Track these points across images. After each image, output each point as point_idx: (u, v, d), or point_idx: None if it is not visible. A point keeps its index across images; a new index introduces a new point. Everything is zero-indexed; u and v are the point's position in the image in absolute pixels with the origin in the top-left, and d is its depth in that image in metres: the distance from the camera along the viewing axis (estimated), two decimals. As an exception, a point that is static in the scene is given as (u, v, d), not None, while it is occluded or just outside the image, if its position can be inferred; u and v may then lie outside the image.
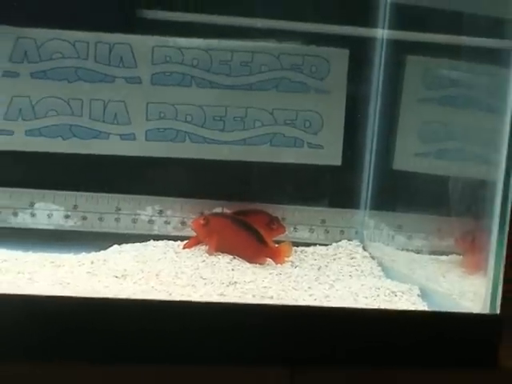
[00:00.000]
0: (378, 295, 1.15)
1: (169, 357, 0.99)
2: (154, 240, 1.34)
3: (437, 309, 1.12)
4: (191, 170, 1.37)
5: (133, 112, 1.34)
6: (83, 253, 1.25)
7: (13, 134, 1.32)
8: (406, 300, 1.15)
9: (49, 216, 1.34)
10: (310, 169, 1.40)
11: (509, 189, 1.02)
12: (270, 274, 1.22)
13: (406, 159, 1.35)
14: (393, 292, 1.16)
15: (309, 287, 1.17)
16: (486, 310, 1.05)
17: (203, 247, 1.30)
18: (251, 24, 1.34)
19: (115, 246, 1.29)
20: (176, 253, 1.29)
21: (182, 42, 1.34)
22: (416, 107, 1.33)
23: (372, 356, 1.02)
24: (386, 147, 1.37)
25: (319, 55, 1.37)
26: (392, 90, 1.36)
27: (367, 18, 1.36)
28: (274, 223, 1.35)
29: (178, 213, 1.37)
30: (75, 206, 1.35)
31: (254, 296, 1.12)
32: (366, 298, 1.14)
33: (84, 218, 1.35)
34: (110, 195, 1.35)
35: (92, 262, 1.21)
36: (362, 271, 1.29)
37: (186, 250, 1.30)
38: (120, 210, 1.36)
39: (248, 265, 1.25)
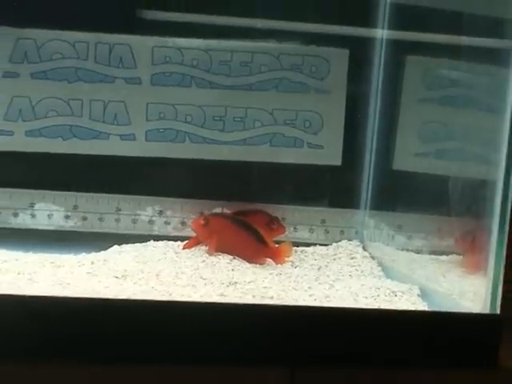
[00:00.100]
0: (378, 295, 1.15)
1: (169, 357, 0.99)
2: (154, 240, 1.34)
3: (437, 309, 1.12)
4: (191, 171, 1.37)
5: (133, 112, 1.34)
6: (83, 253, 1.25)
7: (13, 135, 1.32)
8: (406, 300, 1.15)
9: (49, 216, 1.34)
10: (309, 169, 1.40)
11: (509, 188, 1.02)
12: (270, 274, 1.22)
13: (406, 159, 1.35)
14: (393, 292, 1.16)
15: (309, 287, 1.17)
16: (486, 310, 1.05)
17: (203, 247, 1.30)
18: (251, 24, 1.34)
19: (115, 247, 1.29)
20: (176, 253, 1.29)
21: (182, 42, 1.34)
22: (416, 107, 1.33)
23: (372, 356, 1.03)
24: (386, 147, 1.37)
25: (319, 55, 1.37)
26: (392, 89, 1.36)
27: (367, 18, 1.36)
28: (274, 223, 1.35)
29: (177, 213, 1.37)
30: (75, 207, 1.35)
31: (254, 296, 1.12)
32: (366, 298, 1.14)
33: (84, 219, 1.35)
34: (110, 196, 1.35)
35: (92, 263, 1.21)
36: (362, 271, 1.29)
37: (186, 250, 1.30)
38: (120, 210, 1.36)
39: (248, 265, 1.25)
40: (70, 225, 1.35)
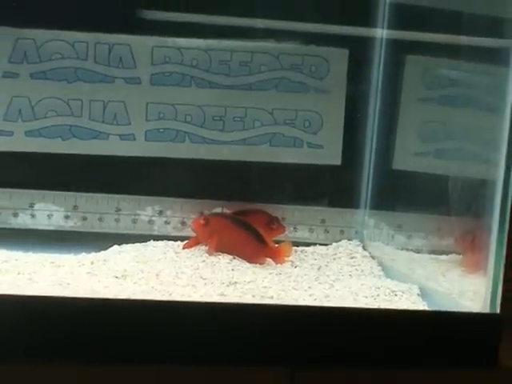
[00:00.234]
0: (377, 295, 1.15)
1: (169, 357, 0.99)
2: (153, 240, 1.34)
3: (437, 308, 1.12)
4: (191, 171, 1.37)
5: (132, 112, 1.34)
6: (83, 253, 1.25)
7: (12, 135, 1.32)
8: (406, 299, 1.15)
9: (49, 216, 1.34)
10: (309, 168, 1.40)
11: (508, 188, 1.02)
12: (270, 273, 1.22)
13: (406, 159, 1.35)
14: (393, 291, 1.16)
15: (309, 287, 1.17)
16: (486, 310, 1.05)
17: (203, 247, 1.30)
18: (251, 24, 1.34)
19: (115, 247, 1.29)
20: (176, 253, 1.29)
21: (182, 42, 1.34)
22: (415, 107, 1.33)
23: (372, 356, 1.02)
24: (386, 147, 1.37)
25: (319, 55, 1.37)
26: (391, 89, 1.36)
27: (366, 18, 1.36)
28: (274, 223, 1.35)
29: (177, 213, 1.37)
30: (75, 207, 1.35)
31: (253, 296, 1.12)
32: (366, 297, 1.14)
33: (84, 219, 1.35)
34: (110, 196, 1.35)
35: (92, 263, 1.21)
36: (361, 271, 1.29)
37: (186, 250, 1.30)
38: (120, 210, 1.36)
39: (248, 265, 1.25)
40: (69, 225, 1.35)
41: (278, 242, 1.30)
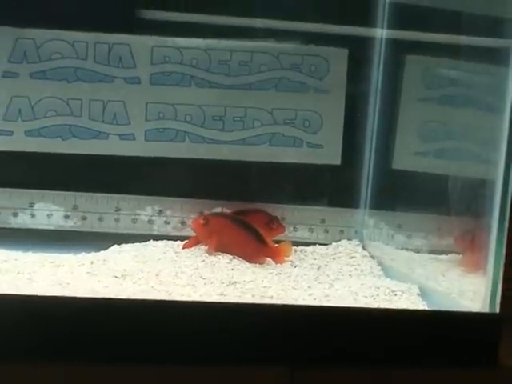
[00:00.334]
0: (377, 294, 1.15)
1: (169, 357, 0.99)
2: (153, 240, 1.34)
3: (436, 308, 1.12)
4: (191, 170, 1.37)
5: (132, 112, 1.34)
6: (83, 253, 1.25)
7: (12, 135, 1.32)
8: (406, 299, 1.15)
9: (48, 216, 1.34)
10: (309, 168, 1.40)
11: (508, 187, 1.02)
12: (270, 273, 1.22)
13: (406, 158, 1.35)
14: (392, 291, 1.16)
15: (308, 287, 1.17)
16: (486, 309, 1.05)
17: (203, 247, 1.30)
18: (250, 24, 1.34)
19: (115, 246, 1.29)
20: (176, 253, 1.29)
21: (181, 41, 1.34)
22: (415, 106, 1.33)
23: (372, 355, 1.02)
24: (386, 146, 1.37)
25: (318, 55, 1.37)
26: (391, 89, 1.36)
27: (366, 18, 1.36)
28: (274, 223, 1.35)
29: (177, 213, 1.37)
30: (75, 207, 1.35)
31: (253, 296, 1.12)
32: (366, 297, 1.14)
33: (84, 218, 1.35)
34: (110, 195, 1.35)
35: (92, 262, 1.21)
36: (361, 270, 1.29)
37: (186, 249, 1.30)
38: (120, 210, 1.36)
39: (248, 264, 1.25)
40: (69, 224, 1.35)
41: (277, 241, 1.30)
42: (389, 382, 1.03)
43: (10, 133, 1.32)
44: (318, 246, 1.38)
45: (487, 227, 1.04)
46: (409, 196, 1.29)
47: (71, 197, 1.35)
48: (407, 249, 1.31)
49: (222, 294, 1.11)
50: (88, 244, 1.28)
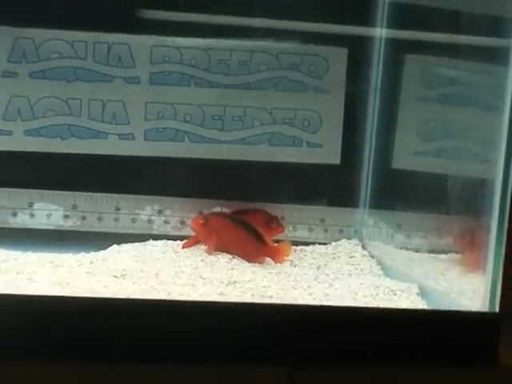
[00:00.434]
0: (377, 294, 1.15)
1: (168, 356, 0.99)
2: (153, 240, 1.34)
3: (436, 307, 1.12)
4: (190, 170, 1.37)
5: (131, 112, 1.34)
6: (82, 253, 1.25)
7: (12, 135, 1.32)
8: (406, 298, 1.15)
9: (48, 216, 1.34)
10: (308, 168, 1.40)
11: (507, 187, 1.02)
12: (270, 273, 1.22)
13: (405, 158, 1.35)
14: (392, 291, 1.16)
15: (308, 286, 1.17)
16: (486, 308, 1.05)
17: (202, 246, 1.30)
18: (250, 23, 1.34)
19: (114, 246, 1.29)
20: (175, 252, 1.29)
21: (181, 41, 1.34)
22: (415, 106, 1.33)
23: (371, 355, 1.03)
24: (385, 146, 1.37)
25: (318, 54, 1.37)
26: (391, 88, 1.36)
27: (366, 17, 1.36)
28: (273, 222, 1.35)
29: (177, 212, 1.37)
30: (74, 206, 1.35)
31: (253, 295, 1.12)
32: (366, 296, 1.14)
33: (83, 218, 1.35)
34: (109, 195, 1.35)
35: (91, 262, 1.21)
36: (361, 270, 1.29)
37: (186, 249, 1.30)
38: (119, 209, 1.36)
39: (247, 264, 1.25)
40: (69, 224, 1.35)
41: (277, 241, 1.30)
42: (388, 382, 1.03)
43: (10, 132, 1.32)
44: (317, 246, 1.38)
45: (487, 226, 1.04)
46: (408, 195, 1.29)
47: (70, 196, 1.35)
48: (407, 248, 1.31)
49: (221, 294, 1.11)
50: (87, 244, 1.28)
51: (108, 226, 1.36)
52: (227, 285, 1.15)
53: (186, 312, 1.00)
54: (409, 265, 1.28)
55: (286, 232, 1.36)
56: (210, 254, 1.27)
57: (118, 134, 1.35)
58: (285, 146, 1.39)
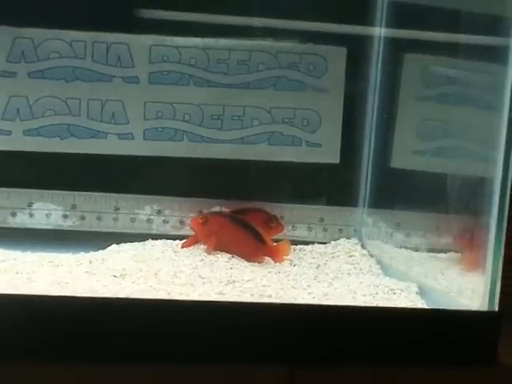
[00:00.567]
0: (376, 293, 1.15)
1: (168, 356, 0.99)
2: (152, 239, 1.34)
3: (435, 306, 1.12)
4: (189, 169, 1.37)
5: (130, 111, 1.34)
6: (82, 252, 1.25)
7: (11, 134, 1.32)
8: (405, 298, 1.15)
9: (47, 216, 1.34)
10: (308, 167, 1.40)
11: (506, 186, 1.02)
12: (269, 272, 1.22)
13: (404, 157, 1.35)
14: (391, 290, 1.16)
15: (307, 285, 1.17)
16: (485, 307, 1.05)
17: (202, 246, 1.30)
18: (249, 23, 1.34)
19: (114, 246, 1.29)
20: (174, 252, 1.29)
21: (180, 40, 1.34)
22: (414, 105, 1.33)
23: (371, 354, 1.03)
24: (384, 145, 1.37)
25: (317, 53, 1.37)
26: (390, 87, 1.36)
27: (365, 16, 1.36)
28: (273, 222, 1.35)
29: (176, 212, 1.37)
30: (73, 206, 1.35)
31: (252, 295, 1.12)
32: (365, 295, 1.14)
33: (82, 218, 1.35)
34: (109, 195, 1.35)
35: (90, 262, 1.21)
36: (360, 269, 1.29)
37: (185, 249, 1.30)
38: (118, 209, 1.36)
39: (246, 263, 1.25)
40: (68, 224, 1.35)
41: (276, 240, 1.30)
42: (388, 381, 1.03)
43: (9, 132, 1.32)
44: (316, 245, 1.38)
45: (486, 225, 1.04)
46: (407, 194, 1.29)
47: (70, 196, 1.35)
48: (406, 247, 1.32)
49: (220, 293, 1.11)
50: (87, 243, 1.28)
51: (107, 225, 1.36)
52: (226, 284, 1.15)
53: (185, 312, 1.00)
54: (408, 264, 1.28)
55: (285, 231, 1.36)
56: (209, 253, 1.27)
57: (117, 134, 1.35)
58: (284, 146, 1.39)
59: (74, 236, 1.34)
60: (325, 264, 1.30)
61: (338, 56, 1.37)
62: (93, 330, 0.98)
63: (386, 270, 1.29)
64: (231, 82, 1.36)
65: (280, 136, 1.38)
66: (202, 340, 0.99)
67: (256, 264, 1.26)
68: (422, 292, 1.17)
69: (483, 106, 1.11)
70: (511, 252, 1.04)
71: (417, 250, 1.28)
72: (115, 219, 1.36)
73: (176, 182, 1.37)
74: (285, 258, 1.28)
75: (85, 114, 1.33)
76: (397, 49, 1.34)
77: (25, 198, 1.33)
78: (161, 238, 1.34)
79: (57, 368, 0.97)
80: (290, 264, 1.28)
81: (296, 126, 1.38)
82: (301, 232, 1.40)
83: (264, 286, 1.15)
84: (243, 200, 1.36)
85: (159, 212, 1.37)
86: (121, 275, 1.16)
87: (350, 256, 1.34)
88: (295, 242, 1.35)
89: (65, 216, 1.35)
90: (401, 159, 1.35)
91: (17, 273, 1.14)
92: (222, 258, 1.25)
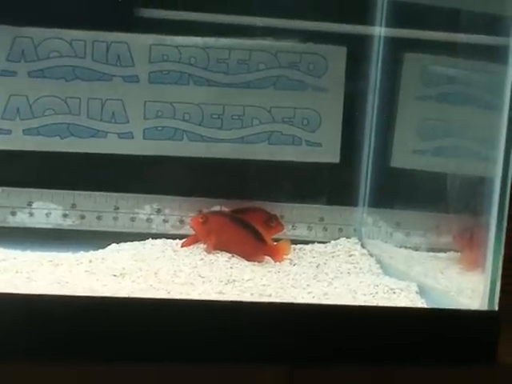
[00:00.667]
0: (376, 292, 1.15)
1: (167, 355, 0.99)
2: (152, 238, 1.33)
3: (435, 306, 1.12)
4: (189, 169, 1.37)
5: (130, 111, 1.34)
6: (81, 252, 1.25)
7: (11, 134, 1.32)
8: (405, 297, 1.15)
9: (47, 215, 1.34)
10: (308, 166, 1.40)
11: (506, 185, 1.02)
12: (269, 271, 1.22)
13: (404, 156, 1.35)
14: (391, 289, 1.16)
15: (307, 285, 1.17)
16: (485, 307, 1.05)
17: (201, 245, 1.30)
18: (249, 22, 1.34)
19: (113, 245, 1.29)
20: (174, 251, 1.29)
21: (180, 40, 1.34)
22: (414, 104, 1.33)
23: (370, 353, 1.03)
24: (384, 144, 1.37)
25: (317, 53, 1.37)
26: (390, 87, 1.36)
27: (365, 16, 1.36)
28: (273, 221, 1.35)
29: (176, 211, 1.37)
30: (73, 205, 1.35)
31: (252, 294, 1.12)
32: (365, 295, 1.14)
33: (82, 217, 1.35)
34: (108, 194, 1.35)
35: (90, 261, 1.21)
36: (360, 268, 1.29)
37: (185, 248, 1.30)
38: (118, 208, 1.36)
39: (246, 263, 1.25)
40: (68, 223, 1.35)
41: (276, 240, 1.30)
42: (388, 380, 1.03)
43: (9, 132, 1.32)
44: (316, 244, 1.38)
45: (486, 225, 1.04)
46: (407, 194, 1.29)
47: (70, 195, 1.35)
48: (406, 247, 1.32)
49: (220, 293, 1.11)
50: (86, 243, 1.28)
51: (107, 224, 1.36)
52: (226, 283, 1.15)
53: (185, 311, 1.00)
54: (408, 263, 1.28)
55: (285, 231, 1.36)
56: (209, 252, 1.27)
57: (117, 133, 1.35)
58: (284, 145, 1.39)
59: (74, 235, 1.34)
60: (325, 263, 1.30)
61: (338, 55, 1.37)
62: (93, 330, 0.98)
63: (385, 269, 1.29)
64: (231, 82, 1.36)
65: (280, 135, 1.39)
66: (201, 339, 0.99)
67: (256, 263, 1.26)
68: (422, 291, 1.17)
69: (483, 106, 1.11)
70: (511, 251, 1.04)
71: (417, 250, 1.28)
72: (115, 218, 1.36)
73: (176, 182, 1.37)
74: (285, 257, 1.28)
75: (85, 114, 1.33)
76: (397, 48, 1.34)
77: (25, 198, 1.34)
78: (161, 238, 1.34)
79: (57, 367, 0.97)
80: (290, 263, 1.28)
81: (296, 126, 1.39)
82: (301, 231, 1.40)
83: (264, 285, 1.15)
84: (243, 199, 1.36)
85: (159, 211, 1.37)
86: (121, 274, 1.16)
87: (350, 255, 1.34)
88: (295, 242, 1.35)
89: (65, 215, 1.35)
90: (401, 159, 1.35)
91: (17, 272, 1.14)
92: (222, 258, 1.25)
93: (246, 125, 1.37)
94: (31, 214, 1.34)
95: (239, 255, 1.27)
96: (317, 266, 1.28)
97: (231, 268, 1.22)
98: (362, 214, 1.41)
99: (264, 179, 1.39)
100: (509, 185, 1.02)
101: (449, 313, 1.06)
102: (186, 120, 1.36)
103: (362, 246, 1.39)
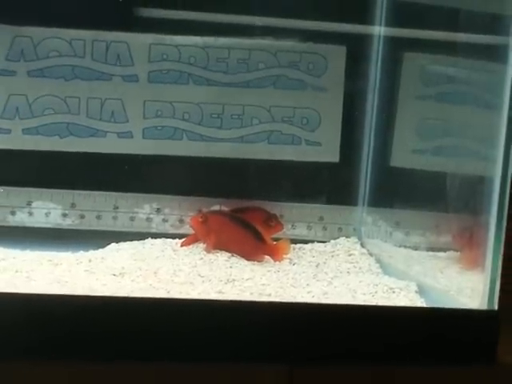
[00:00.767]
0: (376, 292, 1.15)
1: (167, 355, 0.99)
2: (151, 238, 1.33)
3: (435, 305, 1.12)
4: (189, 168, 1.37)
5: (130, 110, 1.34)
6: (81, 251, 1.25)
7: (10, 133, 1.32)
8: (404, 296, 1.15)
9: (46, 214, 1.34)
10: (307, 166, 1.40)
11: (506, 185, 1.02)
12: (268, 271, 1.22)
13: (404, 156, 1.35)
14: (391, 288, 1.16)
15: (307, 284, 1.17)
16: (484, 306, 1.05)
17: (201, 245, 1.30)
18: (248, 21, 1.34)
19: (113, 244, 1.29)
20: (174, 250, 1.29)
21: (179, 39, 1.34)
22: (413, 104, 1.33)
23: (370, 352, 1.03)
24: (384, 144, 1.37)
25: (316, 52, 1.37)
26: (389, 86, 1.36)
27: (364, 15, 1.36)
28: (272, 220, 1.35)
29: (175, 211, 1.37)
30: (73, 205, 1.35)
31: (252, 293, 1.12)
32: (364, 294, 1.14)
33: (82, 217, 1.35)
34: (108, 193, 1.35)
35: (90, 261, 1.21)
36: (360, 268, 1.29)
37: (184, 247, 1.30)
38: (118, 208, 1.36)
39: (246, 262, 1.25)
40: (67, 223, 1.35)
41: (276, 239, 1.30)
42: (387, 380, 1.03)
43: (8, 131, 1.32)
44: (316, 244, 1.38)
45: (485, 224, 1.04)
46: (407, 193, 1.29)
47: (69, 195, 1.35)
48: (405, 246, 1.32)
49: (220, 292, 1.11)
50: (86, 242, 1.28)
51: (106, 224, 1.36)
52: (226, 283, 1.15)
53: (184, 310, 1.00)
54: (407, 263, 1.28)
55: (284, 230, 1.36)
56: (208, 252, 1.27)
57: (117, 133, 1.34)
58: (283, 144, 1.39)
59: (74, 235, 1.34)
60: (324, 263, 1.30)
61: (337, 55, 1.37)
62: (92, 329, 0.98)
63: (385, 268, 1.29)
64: (231, 81, 1.36)
65: (279, 135, 1.38)
66: (201, 339, 0.99)
67: (255, 263, 1.26)
68: (422, 291, 1.17)
69: (483, 105, 1.11)
70: (511, 251, 1.04)
71: (416, 249, 1.28)
72: (114, 218, 1.36)
73: (175, 181, 1.37)
74: (284, 256, 1.28)
75: (84, 113, 1.33)
76: (396, 48, 1.34)
77: (24, 197, 1.33)
78: (160, 237, 1.34)
79: (56, 366, 0.97)
80: (290, 263, 1.28)
81: (296, 125, 1.38)
82: (300, 231, 1.40)
83: (263, 284, 1.15)
84: (243, 199, 1.36)
85: (158, 211, 1.37)
86: (120, 274, 1.16)
87: (350, 255, 1.34)
88: (295, 241, 1.35)
89: (64, 215, 1.35)
90: (400, 158, 1.35)
91: (16, 271, 1.14)
92: (222, 257, 1.25)
93: (246, 124, 1.37)
94: (31, 214, 1.34)
95: (239, 255, 1.27)
96: (316, 266, 1.28)
97: (231, 267, 1.22)
98: (362, 214, 1.41)
99: (263, 179, 1.39)
100: (508, 184, 1.02)
101: (448, 312, 1.06)
102: (185, 119, 1.36)
103: (362, 245, 1.39)
